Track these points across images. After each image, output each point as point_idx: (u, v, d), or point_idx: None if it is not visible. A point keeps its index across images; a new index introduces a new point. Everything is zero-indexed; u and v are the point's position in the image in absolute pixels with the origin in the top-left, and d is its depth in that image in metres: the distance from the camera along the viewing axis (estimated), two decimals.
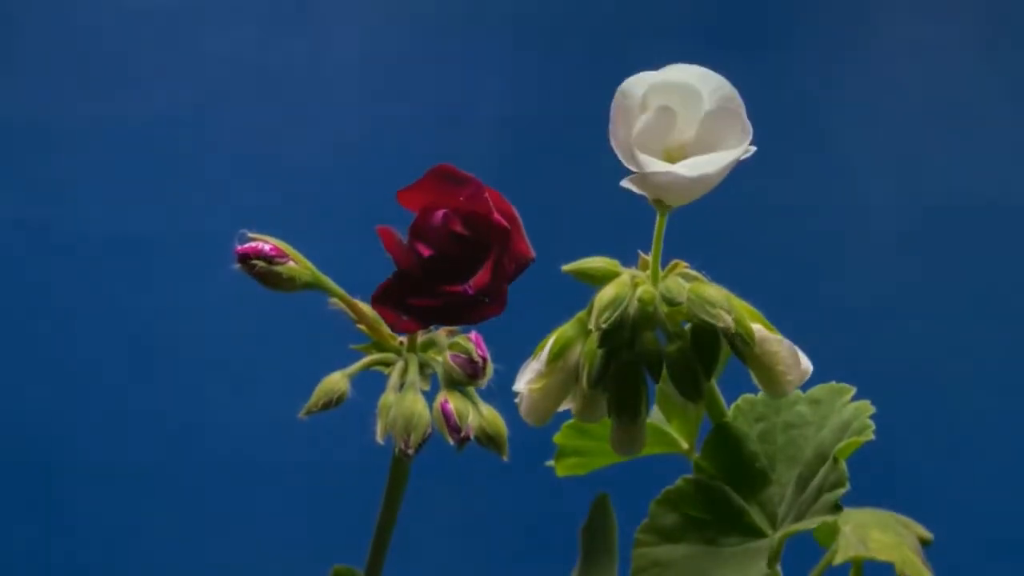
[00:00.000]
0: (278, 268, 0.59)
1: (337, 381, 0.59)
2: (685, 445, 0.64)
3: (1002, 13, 1.35)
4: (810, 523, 0.54)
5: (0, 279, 1.31)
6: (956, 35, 1.35)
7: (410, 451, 0.57)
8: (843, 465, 0.54)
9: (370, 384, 0.59)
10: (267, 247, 0.60)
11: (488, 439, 0.58)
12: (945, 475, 1.25)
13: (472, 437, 0.58)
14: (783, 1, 1.37)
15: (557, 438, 0.65)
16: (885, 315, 1.31)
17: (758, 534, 0.57)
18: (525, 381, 0.58)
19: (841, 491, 0.53)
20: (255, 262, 0.60)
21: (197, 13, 1.34)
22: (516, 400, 0.58)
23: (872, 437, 0.55)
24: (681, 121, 0.55)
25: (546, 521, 1.20)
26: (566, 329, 0.57)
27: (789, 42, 1.33)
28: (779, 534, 0.55)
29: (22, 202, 1.31)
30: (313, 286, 0.60)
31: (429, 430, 0.57)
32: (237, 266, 0.60)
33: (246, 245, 0.60)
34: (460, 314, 0.58)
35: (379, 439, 0.57)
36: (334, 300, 0.60)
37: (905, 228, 1.31)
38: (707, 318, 0.54)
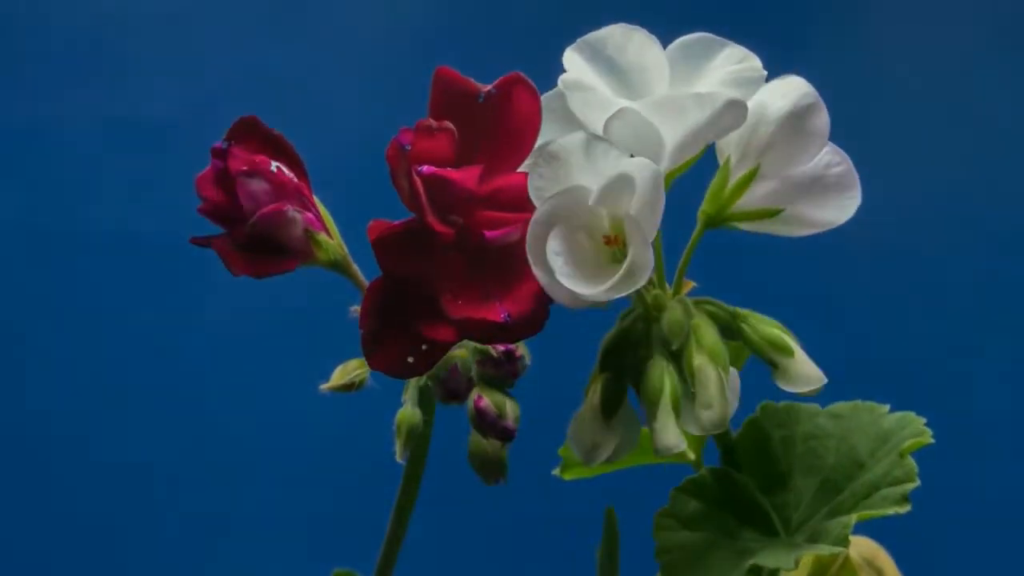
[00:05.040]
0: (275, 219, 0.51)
1: (357, 365, 0.55)
2: (692, 456, 0.64)
3: (1003, 13, 1.35)
4: (881, 511, 0.54)
5: (0, 279, 1.31)
6: (956, 34, 1.35)
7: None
8: (911, 461, 0.55)
9: (383, 389, 0.57)
10: (263, 185, 0.52)
11: (481, 463, 0.56)
12: (946, 479, 1.25)
13: (513, 429, 0.54)
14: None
15: (562, 451, 0.65)
16: (884, 315, 1.31)
17: (774, 533, 0.57)
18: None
19: (911, 485, 0.54)
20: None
21: (197, 13, 1.34)
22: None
23: (932, 440, 0.56)
24: None
25: (552, 526, 1.20)
26: None
27: (787, 41, 1.33)
28: (852, 517, 0.55)
29: (22, 202, 1.31)
30: (339, 267, 0.55)
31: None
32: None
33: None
34: (484, 340, 0.50)
35: (398, 458, 0.55)
36: (355, 308, 0.54)
37: (905, 227, 1.31)
38: (693, 385, 0.52)
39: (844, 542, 0.53)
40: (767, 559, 0.54)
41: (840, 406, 0.59)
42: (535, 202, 0.49)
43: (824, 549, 0.53)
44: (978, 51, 1.35)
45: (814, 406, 0.59)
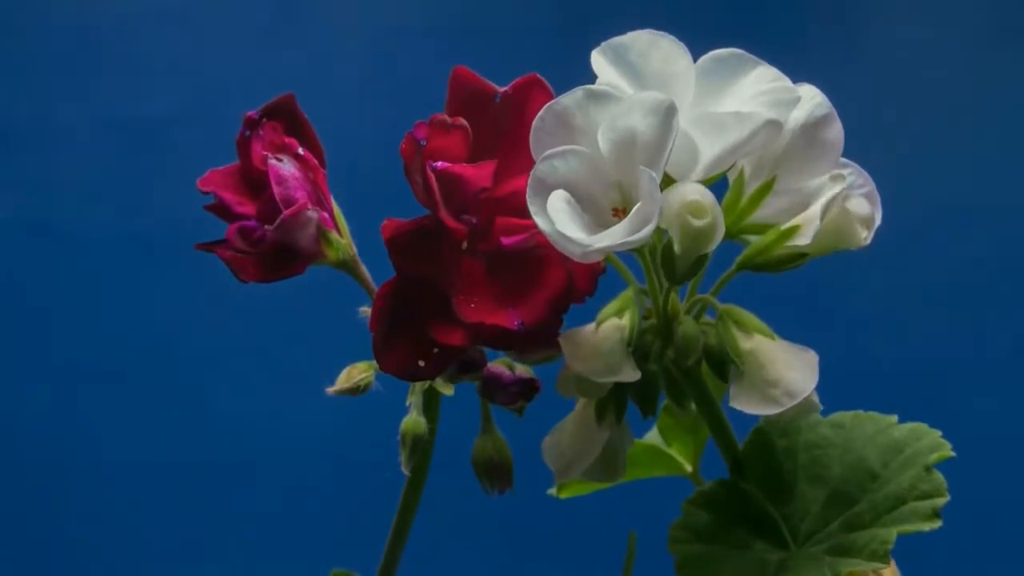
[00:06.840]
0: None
1: (363, 369, 0.54)
2: (689, 468, 0.63)
3: (1001, 13, 1.35)
4: (914, 527, 0.54)
5: (0, 279, 1.31)
6: (955, 36, 1.35)
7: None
8: (939, 475, 0.54)
9: (387, 390, 0.57)
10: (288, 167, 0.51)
11: (487, 469, 0.55)
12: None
13: (533, 382, 0.52)
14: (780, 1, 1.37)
15: None
16: (885, 317, 1.31)
17: (784, 545, 0.56)
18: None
19: (941, 501, 0.54)
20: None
21: (198, 13, 1.34)
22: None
23: (953, 454, 0.55)
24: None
25: (554, 530, 1.20)
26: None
27: (788, 41, 1.33)
28: (892, 532, 0.54)
29: (22, 202, 1.31)
30: (347, 267, 0.54)
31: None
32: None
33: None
34: (495, 346, 0.49)
35: (404, 469, 0.54)
36: (364, 309, 0.53)
37: (905, 228, 1.31)
38: (745, 369, 0.51)
39: (885, 558, 0.53)
40: (799, 574, 0.53)
41: (841, 416, 0.58)
42: (535, 156, 0.47)
43: (864, 564, 0.53)
44: (979, 52, 1.35)
45: (815, 416, 0.58)
